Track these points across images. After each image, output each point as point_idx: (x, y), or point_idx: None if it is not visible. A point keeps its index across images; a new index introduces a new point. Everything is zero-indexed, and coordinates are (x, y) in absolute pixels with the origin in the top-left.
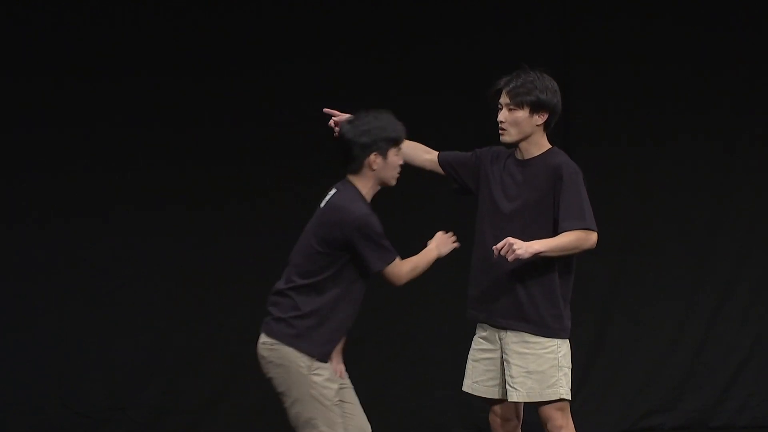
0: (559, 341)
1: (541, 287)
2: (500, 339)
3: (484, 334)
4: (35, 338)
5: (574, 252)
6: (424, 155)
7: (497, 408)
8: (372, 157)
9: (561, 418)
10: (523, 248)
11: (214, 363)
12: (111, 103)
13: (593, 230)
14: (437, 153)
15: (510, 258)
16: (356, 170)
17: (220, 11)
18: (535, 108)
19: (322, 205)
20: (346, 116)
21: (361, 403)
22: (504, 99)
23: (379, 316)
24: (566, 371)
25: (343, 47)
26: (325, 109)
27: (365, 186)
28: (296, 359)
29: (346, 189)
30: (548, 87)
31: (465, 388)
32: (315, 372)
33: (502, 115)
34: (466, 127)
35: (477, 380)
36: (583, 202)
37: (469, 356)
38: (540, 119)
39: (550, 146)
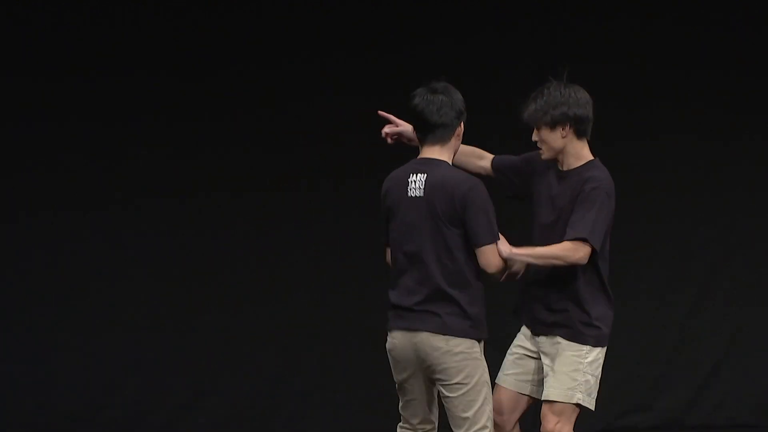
0: (588, 348)
1: (570, 296)
2: (538, 343)
3: (527, 332)
4: (13, 337)
5: (558, 263)
6: (478, 162)
7: (500, 397)
8: (461, 125)
9: (555, 422)
10: (505, 248)
11: (193, 362)
12: (110, 102)
13: (588, 243)
14: (491, 159)
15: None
16: (446, 140)
17: (220, 11)
18: (553, 125)
19: (417, 193)
20: (401, 125)
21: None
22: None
23: (376, 316)
24: (589, 378)
25: (343, 47)
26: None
27: (449, 158)
28: (472, 347)
29: (441, 165)
30: (562, 102)
31: (496, 380)
32: (482, 356)
33: (534, 135)
34: (466, 126)
35: (507, 372)
36: (593, 215)
37: (508, 351)
38: (565, 132)
39: (592, 158)
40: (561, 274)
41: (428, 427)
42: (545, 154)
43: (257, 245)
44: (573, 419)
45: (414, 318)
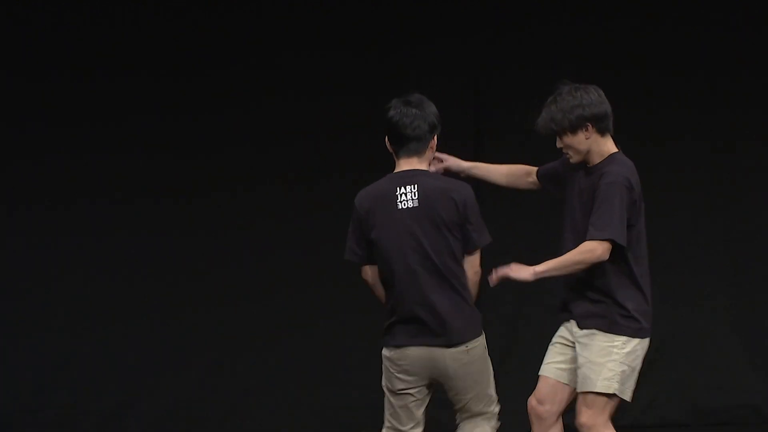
0: (625, 338)
1: (605, 289)
2: (576, 334)
3: (568, 325)
4: None
5: (581, 266)
6: (527, 179)
7: (541, 386)
8: (435, 138)
9: (589, 414)
10: (528, 272)
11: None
12: (110, 102)
13: (607, 240)
14: (536, 171)
15: (519, 278)
16: (421, 153)
17: (220, 11)
18: (574, 129)
19: (410, 204)
20: (446, 159)
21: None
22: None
23: (376, 316)
24: (625, 369)
25: (343, 47)
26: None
27: (427, 168)
28: (483, 342)
29: (427, 175)
30: (574, 105)
31: (539, 372)
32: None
33: (558, 143)
34: (465, 125)
35: (549, 362)
36: (609, 212)
37: (551, 342)
38: (587, 133)
39: (615, 151)
40: (594, 269)
41: (419, 429)
42: (573, 158)
43: (256, 244)
44: (608, 410)
45: (430, 333)
